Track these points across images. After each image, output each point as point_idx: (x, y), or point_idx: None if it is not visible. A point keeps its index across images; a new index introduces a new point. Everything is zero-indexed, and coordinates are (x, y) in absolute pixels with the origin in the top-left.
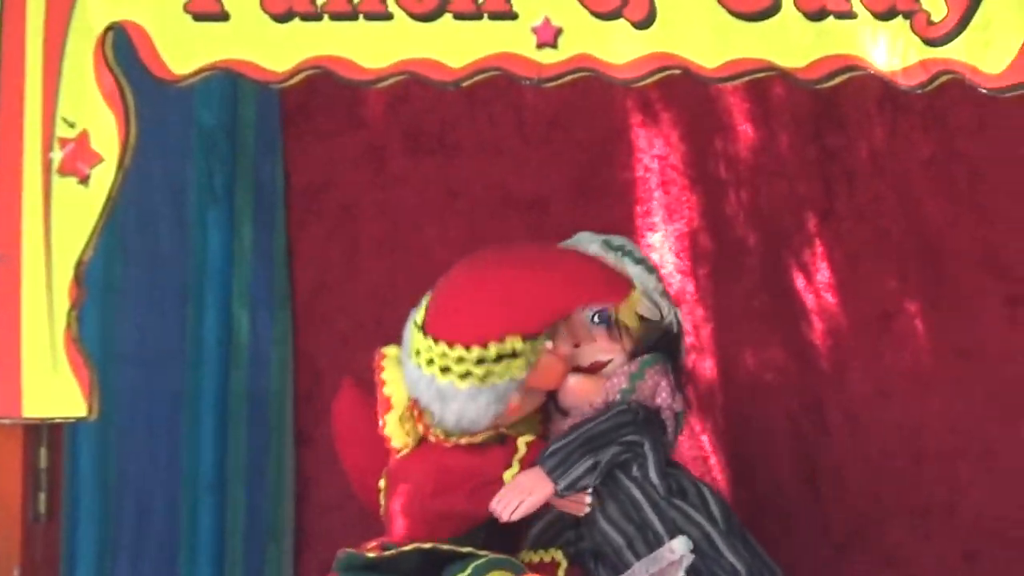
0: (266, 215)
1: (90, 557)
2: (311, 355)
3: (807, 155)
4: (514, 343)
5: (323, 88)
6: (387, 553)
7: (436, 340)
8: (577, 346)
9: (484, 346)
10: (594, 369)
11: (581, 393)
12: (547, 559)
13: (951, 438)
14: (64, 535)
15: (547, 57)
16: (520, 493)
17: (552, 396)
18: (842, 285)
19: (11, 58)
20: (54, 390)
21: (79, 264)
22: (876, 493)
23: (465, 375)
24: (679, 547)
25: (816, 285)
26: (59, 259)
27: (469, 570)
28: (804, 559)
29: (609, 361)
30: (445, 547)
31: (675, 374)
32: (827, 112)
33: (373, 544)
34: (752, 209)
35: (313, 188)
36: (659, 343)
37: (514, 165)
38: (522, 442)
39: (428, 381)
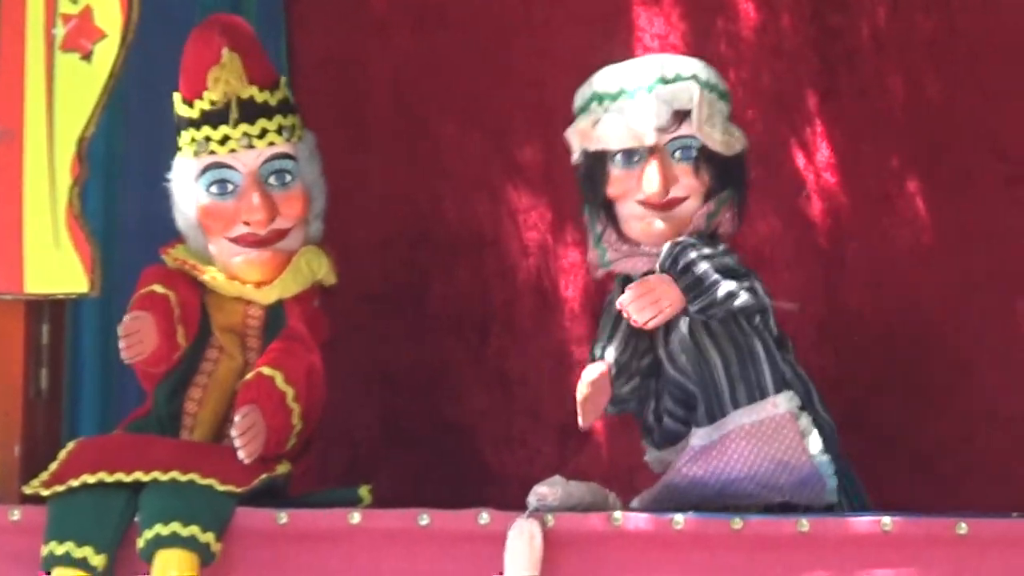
0: None
1: (92, 434)
2: None
3: (808, 34)
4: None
5: None
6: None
7: None
8: None
9: None
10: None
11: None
12: None
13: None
14: (66, 412)
15: None
16: (657, 301)
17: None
18: (842, 164)
19: None
20: (56, 266)
21: (81, 140)
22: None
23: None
24: (783, 403)
25: (816, 164)
26: (61, 135)
27: None
28: None
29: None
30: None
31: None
32: None
33: None
34: (753, 88)
35: (317, 66)
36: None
37: (515, 43)
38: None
39: None
